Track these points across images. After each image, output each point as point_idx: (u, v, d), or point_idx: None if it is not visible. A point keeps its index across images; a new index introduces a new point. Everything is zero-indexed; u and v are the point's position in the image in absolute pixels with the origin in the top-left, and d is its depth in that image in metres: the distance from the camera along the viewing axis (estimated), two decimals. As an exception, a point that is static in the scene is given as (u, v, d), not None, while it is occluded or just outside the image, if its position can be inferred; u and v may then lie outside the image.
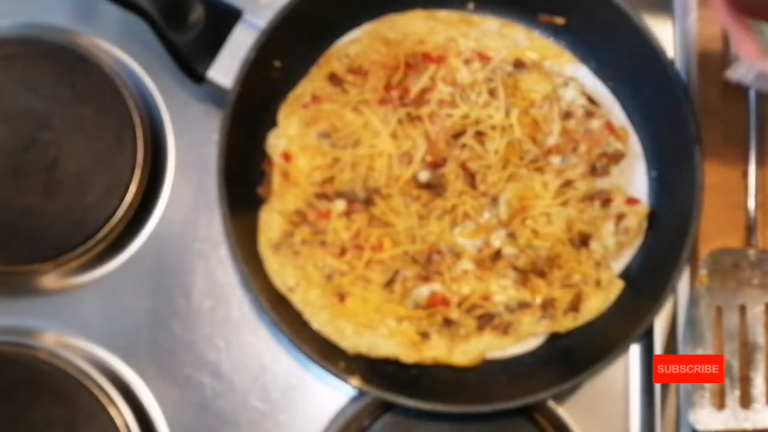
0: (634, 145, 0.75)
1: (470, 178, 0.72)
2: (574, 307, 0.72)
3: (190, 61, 0.72)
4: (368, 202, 0.72)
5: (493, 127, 0.72)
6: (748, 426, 0.67)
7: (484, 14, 0.76)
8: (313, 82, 0.75)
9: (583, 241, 0.72)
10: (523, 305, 0.71)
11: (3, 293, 0.76)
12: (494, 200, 0.72)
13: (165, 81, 0.78)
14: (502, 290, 0.71)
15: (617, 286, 0.72)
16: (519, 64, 0.75)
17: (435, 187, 0.72)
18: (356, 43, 0.75)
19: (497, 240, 0.72)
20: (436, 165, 0.72)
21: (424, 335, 0.71)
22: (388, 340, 0.71)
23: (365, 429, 0.70)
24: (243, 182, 0.72)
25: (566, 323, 0.72)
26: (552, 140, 0.73)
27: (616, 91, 0.75)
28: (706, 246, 0.70)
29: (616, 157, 0.74)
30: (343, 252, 0.72)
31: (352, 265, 0.71)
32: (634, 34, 0.70)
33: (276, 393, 0.74)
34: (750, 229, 0.70)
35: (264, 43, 0.70)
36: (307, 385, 0.74)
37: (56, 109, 0.75)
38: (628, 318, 0.69)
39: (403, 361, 0.71)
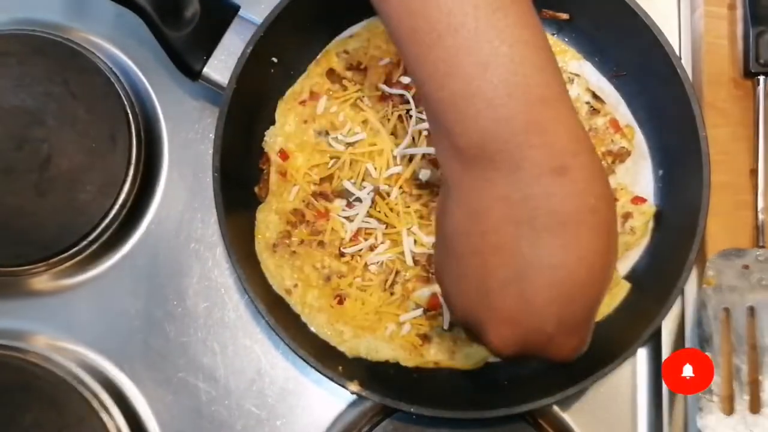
0: (639, 143, 0.74)
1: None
2: (579, 309, 0.70)
3: (186, 58, 0.71)
4: (367, 202, 0.71)
5: None
6: (757, 431, 0.66)
7: (486, 9, 0.75)
8: (311, 79, 0.74)
9: (588, 241, 0.71)
10: (527, 307, 0.70)
11: (-7, 295, 0.75)
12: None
13: (160, 78, 0.77)
14: (505, 292, 0.70)
15: (623, 288, 0.71)
16: (522, 60, 0.74)
17: (436, 186, 0.71)
18: (355, 38, 0.74)
19: (500, 240, 0.71)
20: (436, 163, 0.71)
21: (425, 338, 0.70)
22: (388, 343, 0.70)
23: (364, 435, 0.69)
24: (239, 181, 0.72)
25: (571, 326, 0.70)
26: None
27: (621, 88, 0.74)
28: (714, 246, 0.69)
29: (622, 156, 0.73)
30: (342, 253, 0.71)
31: (351, 266, 0.70)
32: (640, 30, 0.69)
33: (272, 398, 0.73)
34: (759, 229, 0.70)
35: (261, 39, 0.69)
36: (305, 389, 0.73)
37: (49, 107, 0.74)
38: (634, 320, 0.68)
39: (403, 365, 0.70)
